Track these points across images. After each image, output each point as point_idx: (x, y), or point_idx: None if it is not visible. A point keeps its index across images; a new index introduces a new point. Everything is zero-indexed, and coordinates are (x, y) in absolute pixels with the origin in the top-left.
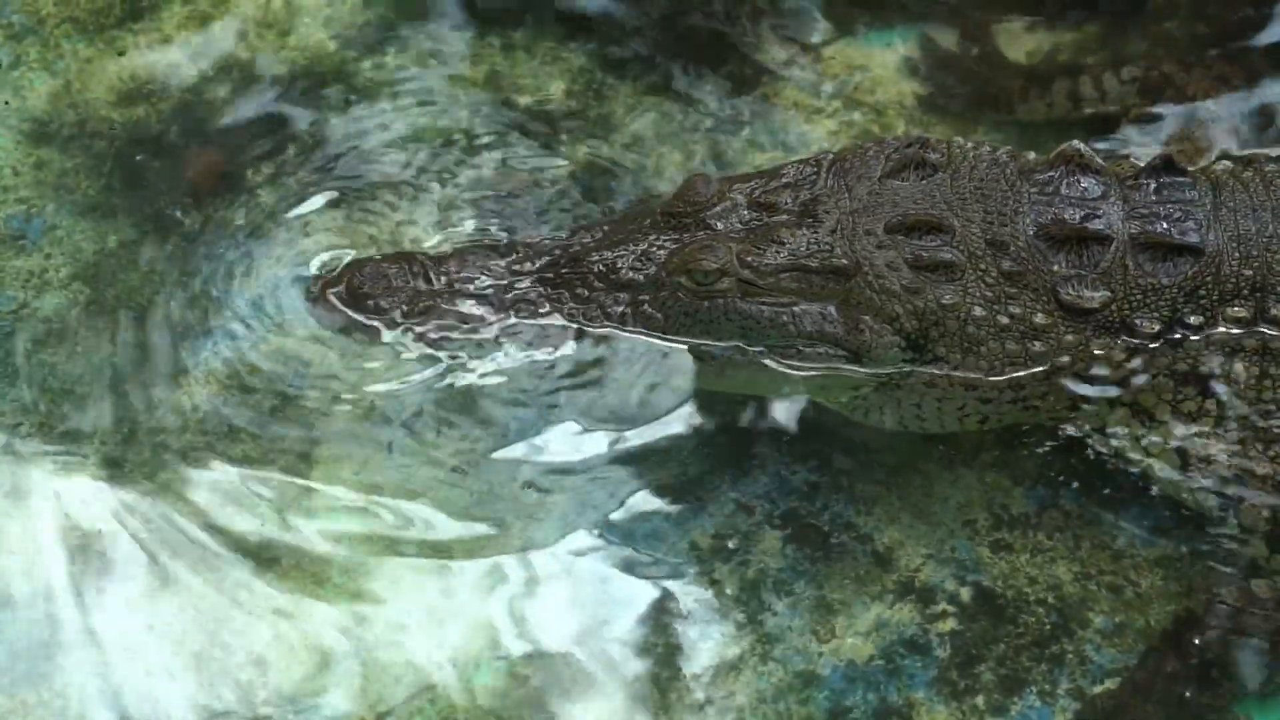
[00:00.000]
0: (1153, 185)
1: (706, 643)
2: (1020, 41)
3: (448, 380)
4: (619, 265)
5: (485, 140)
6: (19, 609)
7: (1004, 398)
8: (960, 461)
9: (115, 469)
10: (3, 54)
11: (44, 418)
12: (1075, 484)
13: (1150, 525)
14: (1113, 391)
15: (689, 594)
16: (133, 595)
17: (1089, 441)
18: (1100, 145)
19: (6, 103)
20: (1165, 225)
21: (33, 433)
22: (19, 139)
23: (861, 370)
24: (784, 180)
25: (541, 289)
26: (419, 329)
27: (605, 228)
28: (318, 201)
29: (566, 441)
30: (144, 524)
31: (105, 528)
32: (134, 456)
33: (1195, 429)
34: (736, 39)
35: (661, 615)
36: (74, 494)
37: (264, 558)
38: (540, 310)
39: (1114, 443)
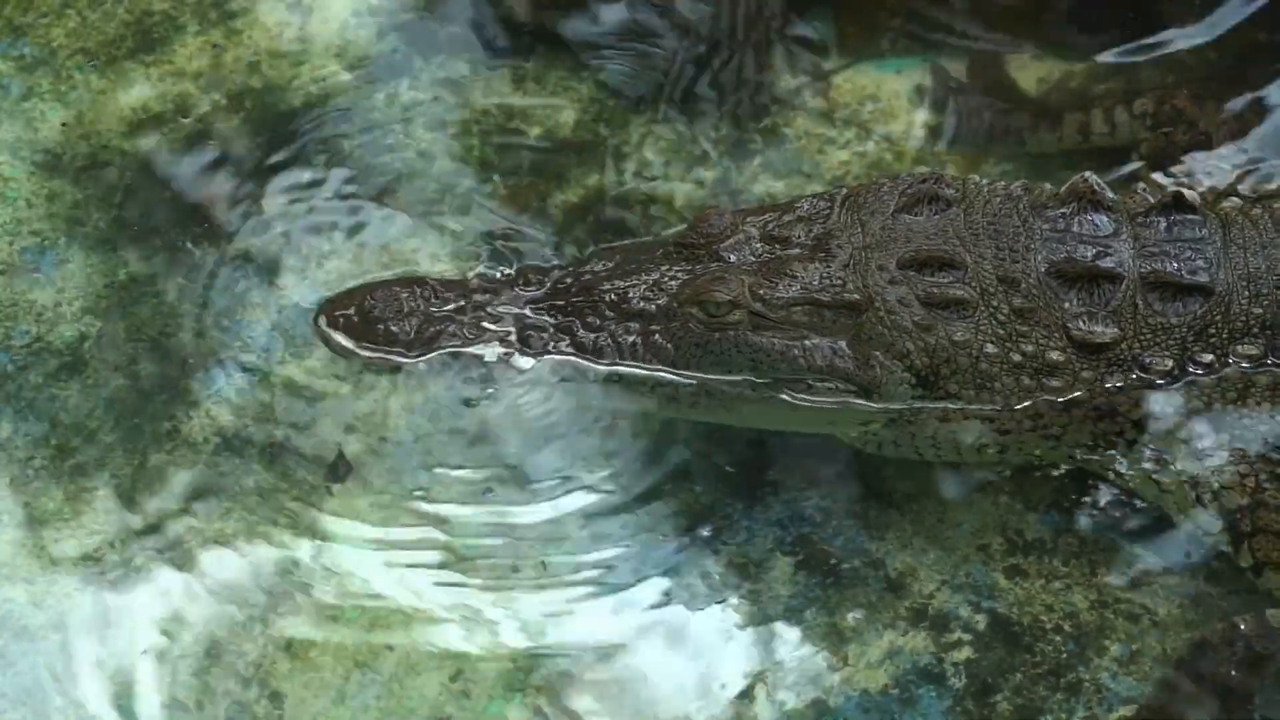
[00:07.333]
0: (1163, 223)
1: (718, 670)
2: (1030, 69)
3: (457, 409)
4: (630, 295)
5: (497, 170)
6: (33, 639)
7: (1023, 428)
8: (974, 486)
9: (127, 500)
10: (15, 85)
11: (56, 450)
12: (1090, 509)
13: (1167, 551)
14: (1130, 427)
15: (700, 621)
16: (146, 625)
17: (1105, 474)
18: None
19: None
20: (1175, 265)
21: (45, 465)
22: (32, 170)
23: (872, 406)
24: (797, 214)
25: (552, 317)
26: (426, 355)
27: (617, 257)
28: (330, 231)
29: (578, 470)
30: (156, 554)
31: (118, 558)
32: (145, 488)
33: (1209, 464)
34: (747, 67)
35: (672, 642)
36: (86, 525)
37: (279, 587)
38: (550, 337)
39: (1130, 476)
